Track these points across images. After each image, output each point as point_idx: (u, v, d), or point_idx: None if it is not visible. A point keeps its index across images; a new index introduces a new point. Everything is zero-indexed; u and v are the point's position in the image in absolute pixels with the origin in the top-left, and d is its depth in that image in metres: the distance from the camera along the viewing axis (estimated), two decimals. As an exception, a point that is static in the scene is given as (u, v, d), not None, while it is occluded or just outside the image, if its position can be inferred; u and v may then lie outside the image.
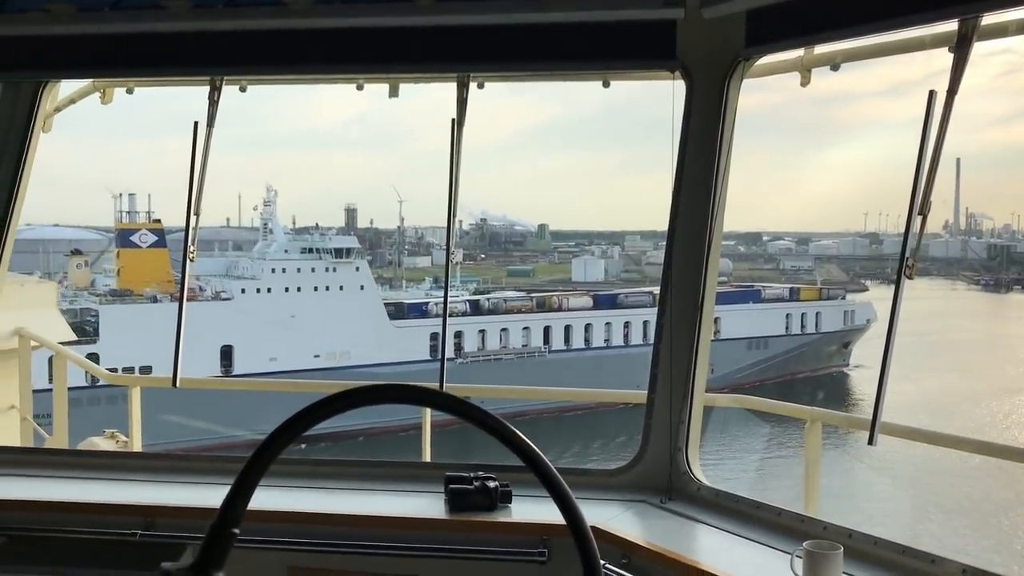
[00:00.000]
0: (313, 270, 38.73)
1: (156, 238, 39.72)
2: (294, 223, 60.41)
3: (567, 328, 40.70)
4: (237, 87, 4.51)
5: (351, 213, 56.74)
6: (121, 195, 42.64)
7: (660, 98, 3.96)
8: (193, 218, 4.47)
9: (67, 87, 4.80)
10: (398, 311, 38.52)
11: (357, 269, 39.35)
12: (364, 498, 3.91)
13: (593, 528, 3.57)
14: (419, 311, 38.52)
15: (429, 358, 36.58)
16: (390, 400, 1.18)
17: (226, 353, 36.01)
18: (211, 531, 1.09)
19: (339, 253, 39.39)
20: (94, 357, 32.41)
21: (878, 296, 46.04)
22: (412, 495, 3.90)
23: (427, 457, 5.04)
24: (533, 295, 43.79)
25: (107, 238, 55.56)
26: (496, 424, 1.15)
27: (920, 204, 3.33)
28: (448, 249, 4.78)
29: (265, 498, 3.86)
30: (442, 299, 39.71)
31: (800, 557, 2.94)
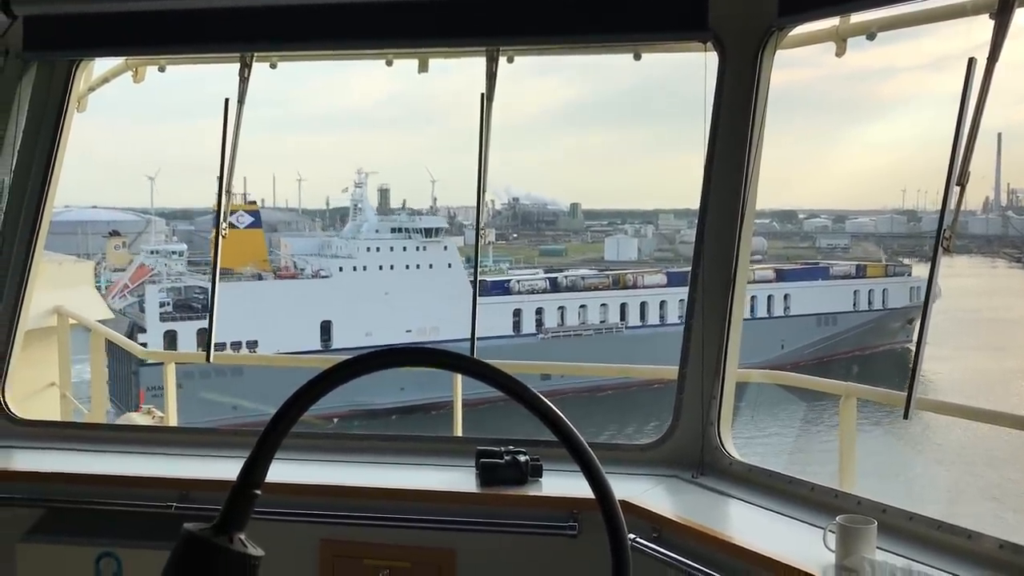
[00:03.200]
0: (404, 249, 40.39)
1: (252, 219, 42.20)
2: (328, 204, 60.79)
3: (643, 305, 41.62)
4: (267, 64, 4.52)
5: (384, 193, 56.84)
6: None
7: (692, 75, 3.91)
8: (224, 196, 4.50)
9: (100, 66, 4.85)
10: (481, 288, 39.33)
11: (445, 248, 41.04)
12: (396, 472, 3.93)
13: (624, 502, 3.58)
14: (501, 288, 40.06)
15: (512, 334, 38.40)
16: (414, 363, 1.17)
17: (325, 328, 37.64)
18: (233, 491, 1.09)
19: (428, 233, 41.07)
20: (204, 332, 34.45)
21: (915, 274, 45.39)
22: (444, 469, 3.92)
23: (459, 432, 5.06)
24: (608, 272, 44.72)
25: (144, 219, 56.23)
26: (519, 388, 1.14)
27: (959, 174, 3.26)
28: (478, 222, 4.78)
29: (298, 471, 3.92)
30: (522, 276, 41.37)
31: (833, 532, 2.91)
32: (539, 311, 40.21)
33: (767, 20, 3.74)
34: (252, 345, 35.57)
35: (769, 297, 42.03)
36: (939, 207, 3.35)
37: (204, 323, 35.17)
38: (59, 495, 3.85)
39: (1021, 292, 54.45)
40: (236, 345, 34.36)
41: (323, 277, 39.20)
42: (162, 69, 4.72)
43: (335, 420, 27.76)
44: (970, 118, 3.21)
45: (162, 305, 36.52)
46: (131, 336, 35.84)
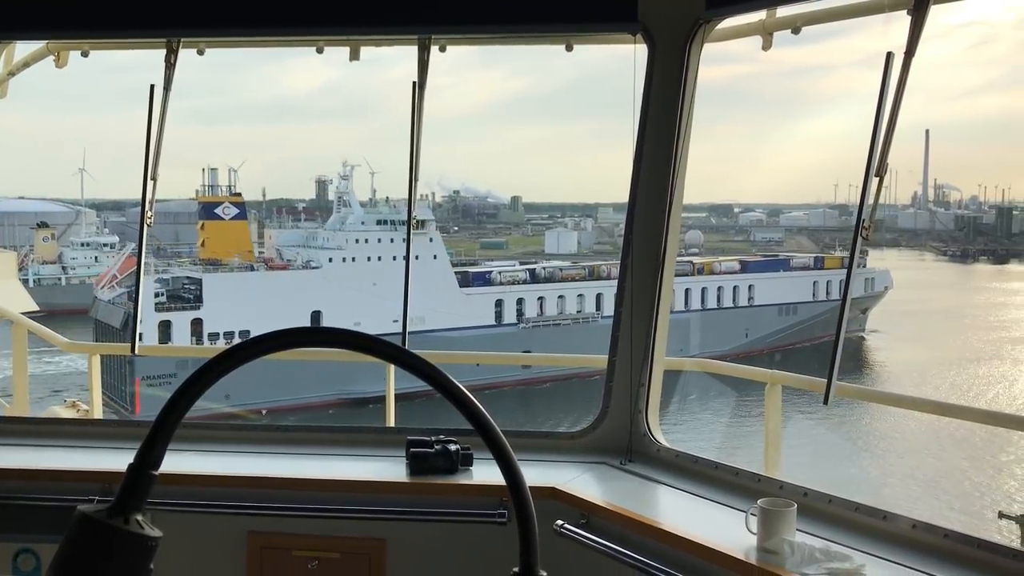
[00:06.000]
0: (392, 240, 40.78)
1: (237, 210, 42.52)
2: (264, 195, 60.04)
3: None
4: (195, 50, 4.43)
5: (322, 185, 56.39)
6: (207, 170, 44.39)
7: (630, 69, 3.94)
8: (150, 183, 4.41)
9: (21, 49, 4.70)
10: (464, 279, 40.86)
11: (431, 240, 41.24)
12: (325, 463, 3.90)
13: (553, 489, 3.58)
14: (483, 279, 40.91)
15: (494, 323, 39.51)
16: (328, 344, 1.17)
17: (315, 318, 37.82)
18: (129, 472, 1.07)
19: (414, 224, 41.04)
20: (198, 322, 35.48)
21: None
22: (374, 459, 3.90)
23: (391, 422, 5.04)
24: (584, 264, 45.86)
25: (74, 211, 54.80)
26: (433, 372, 1.14)
27: (877, 166, 3.34)
28: (409, 211, 4.78)
29: (225, 464, 3.85)
30: (503, 267, 42.03)
31: (754, 515, 2.97)
32: (520, 301, 41.20)
33: (695, 13, 3.79)
34: (245, 335, 35.64)
35: (735, 288, 43.26)
36: (868, 200, 3.42)
37: (197, 313, 35.47)
38: None
39: (948, 284, 56.13)
40: (229, 335, 34.52)
41: (313, 268, 39.73)
42: (85, 54, 4.60)
43: (264, 412, 27.62)
44: (888, 111, 3.30)
45: (156, 296, 36.45)
46: (125, 327, 35.41)
